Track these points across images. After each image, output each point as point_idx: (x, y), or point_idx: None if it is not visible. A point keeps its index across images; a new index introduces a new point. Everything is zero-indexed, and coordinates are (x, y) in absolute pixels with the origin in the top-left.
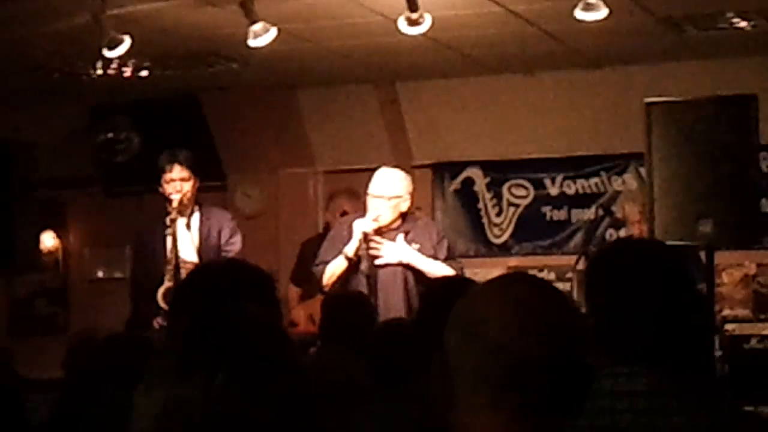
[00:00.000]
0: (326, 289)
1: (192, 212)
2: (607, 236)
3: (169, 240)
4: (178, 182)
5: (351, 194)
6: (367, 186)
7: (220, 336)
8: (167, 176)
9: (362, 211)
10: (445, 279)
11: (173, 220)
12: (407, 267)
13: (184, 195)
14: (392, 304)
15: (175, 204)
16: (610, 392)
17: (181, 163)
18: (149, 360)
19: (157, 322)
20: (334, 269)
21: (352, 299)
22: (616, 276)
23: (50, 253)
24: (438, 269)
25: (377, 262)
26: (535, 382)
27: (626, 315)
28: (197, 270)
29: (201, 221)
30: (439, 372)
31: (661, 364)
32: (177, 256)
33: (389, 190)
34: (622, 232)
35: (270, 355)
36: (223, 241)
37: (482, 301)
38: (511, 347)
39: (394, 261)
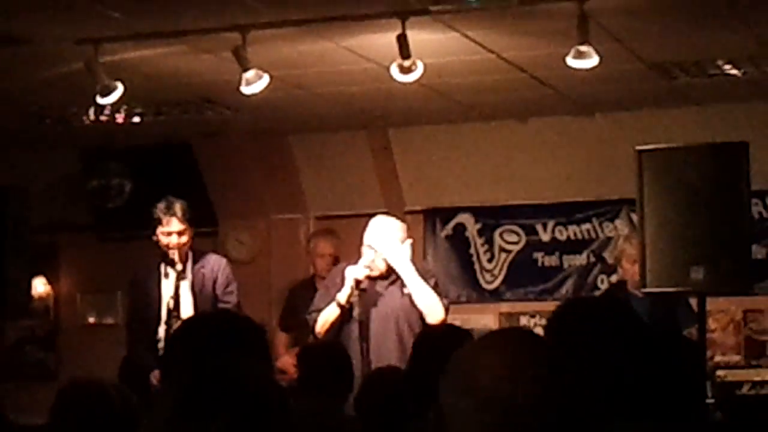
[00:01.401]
0: (320, 336)
1: (186, 261)
2: (599, 282)
3: (170, 300)
4: (174, 235)
5: (327, 234)
6: (358, 232)
7: (214, 394)
8: (164, 229)
9: (343, 249)
10: (437, 328)
11: (177, 284)
12: (401, 311)
13: (181, 249)
14: (385, 350)
15: (178, 264)
16: None
17: (178, 217)
18: (146, 413)
19: (155, 377)
20: (327, 316)
21: (327, 350)
22: (574, 338)
23: (41, 298)
24: (427, 294)
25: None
26: None
27: (595, 374)
28: (189, 322)
29: (195, 270)
30: (436, 424)
31: (645, 418)
32: (178, 312)
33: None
34: (614, 278)
35: (262, 412)
36: (218, 291)
37: (476, 356)
38: (504, 400)
39: (395, 265)
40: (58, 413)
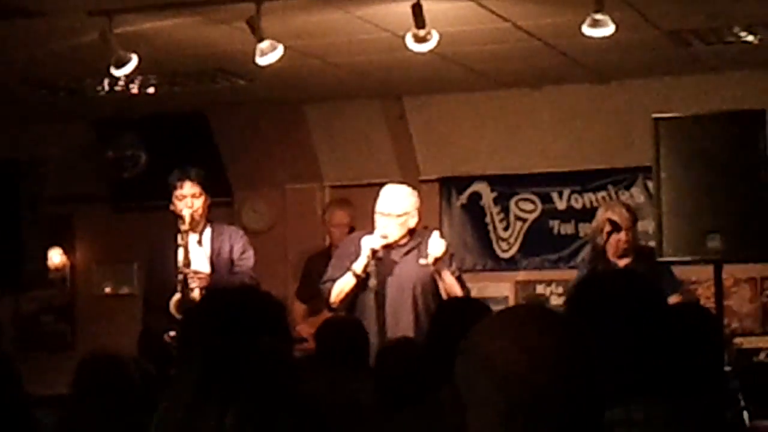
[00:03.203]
0: (334, 306)
1: (203, 229)
2: None
3: (180, 251)
4: (189, 198)
5: (343, 204)
6: (373, 201)
7: (232, 373)
8: (178, 193)
9: (358, 219)
10: (455, 301)
11: (185, 232)
12: (417, 280)
13: (195, 211)
14: (401, 321)
15: (187, 220)
16: (610, 422)
17: (192, 180)
18: (164, 389)
19: (168, 336)
20: (342, 286)
21: (346, 325)
22: (594, 311)
23: (57, 269)
24: (453, 288)
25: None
26: (545, 412)
27: (615, 349)
28: (208, 297)
29: (212, 237)
30: (452, 402)
31: (660, 392)
32: (188, 266)
33: (397, 207)
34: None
35: (281, 392)
36: (235, 256)
37: (493, 333)
38: (521, 378)
39: (438, 254)
40: (79, 387)
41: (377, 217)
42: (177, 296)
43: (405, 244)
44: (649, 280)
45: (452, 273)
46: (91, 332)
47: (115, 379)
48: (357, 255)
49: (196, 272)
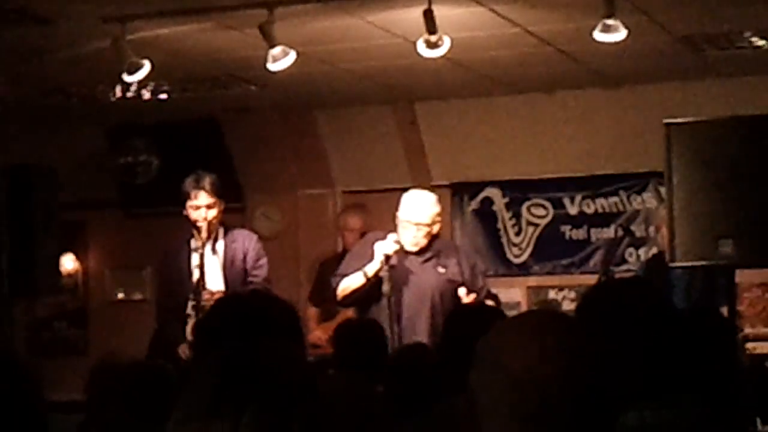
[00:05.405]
0: (339, 299)
1: (217, 236)
2: (627, 255)
3: (196, 272)
4: (203, 209)
5: (357, 209)
6: (385, 207)
7: (247, 377)
8: (192, 203)
9: (372, 226)
10: (468, 307)
11: (202, 255)
12: (437, 290)
13: (210, 222)
14: (418, 328)
15: (203, 233)
16: (624, 427)
17: (206, 190)
18: (179, 396)
19: (183, 351)
20: (349, 283)
21: (364, 327)
22: (606, 317)
23: (70, 275)
24: None
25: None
26: (558, 416)
27: (624, 356)
28: (222, 302)
29: (226, 245)
30: (467, 406)
31: (673, 396)
32: (204, 287)
33: (427, 216)
34: (642, 251)
35: (296, 395)
36: (249, 265)
37: (507, 338)
38: (534, 382)
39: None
40: (92, 391)
41: (404, 225)
42: (192, 322)
43: (423, 252)
44: (658, 287)
45: (481, 288)
46: (104, 337)
47: (128, 385)
48: (371, 256)
49: (212, 293)
